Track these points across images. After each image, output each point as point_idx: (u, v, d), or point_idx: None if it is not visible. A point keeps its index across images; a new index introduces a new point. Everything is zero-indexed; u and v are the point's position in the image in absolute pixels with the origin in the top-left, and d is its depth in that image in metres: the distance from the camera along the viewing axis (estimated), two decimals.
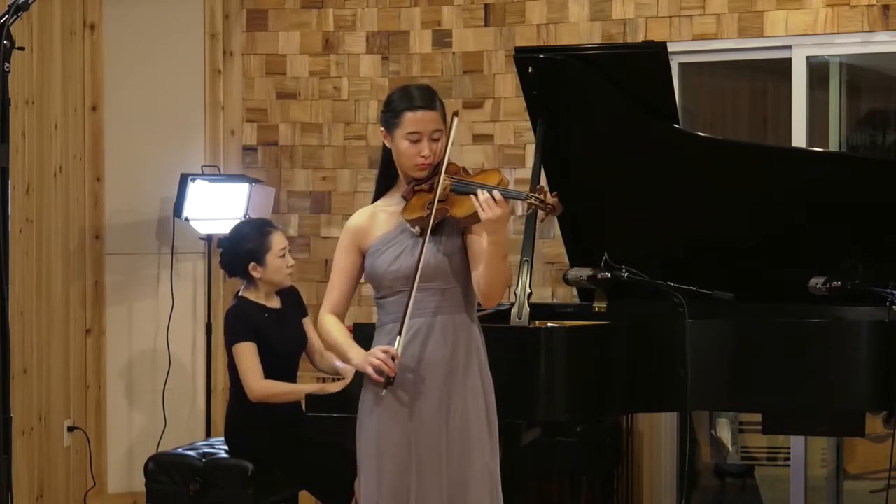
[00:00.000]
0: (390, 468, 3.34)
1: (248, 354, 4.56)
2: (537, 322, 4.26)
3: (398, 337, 3.28)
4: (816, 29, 5.34)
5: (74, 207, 5.78)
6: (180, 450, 4.86)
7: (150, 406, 5.95)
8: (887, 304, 4.23)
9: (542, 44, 5.67)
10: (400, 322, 3.29)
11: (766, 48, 5.49)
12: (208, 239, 5.83)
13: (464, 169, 3.41)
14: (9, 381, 2.85)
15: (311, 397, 4.23)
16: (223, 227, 5.73)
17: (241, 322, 4.61)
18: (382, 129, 3.41)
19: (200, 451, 4.80)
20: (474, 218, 3.27)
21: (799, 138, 5.39)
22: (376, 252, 3.39)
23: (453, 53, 5.91)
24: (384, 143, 3.43)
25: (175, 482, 4.68)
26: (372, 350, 3.31)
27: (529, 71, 4.41)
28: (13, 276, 5.17)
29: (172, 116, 5.99)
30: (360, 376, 4.07)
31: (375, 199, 3.50)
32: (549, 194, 3.25)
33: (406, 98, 3.37)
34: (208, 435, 5.70)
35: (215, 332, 5.85)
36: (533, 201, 3.24)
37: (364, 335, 4.15)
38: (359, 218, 3.47)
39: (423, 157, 3.33)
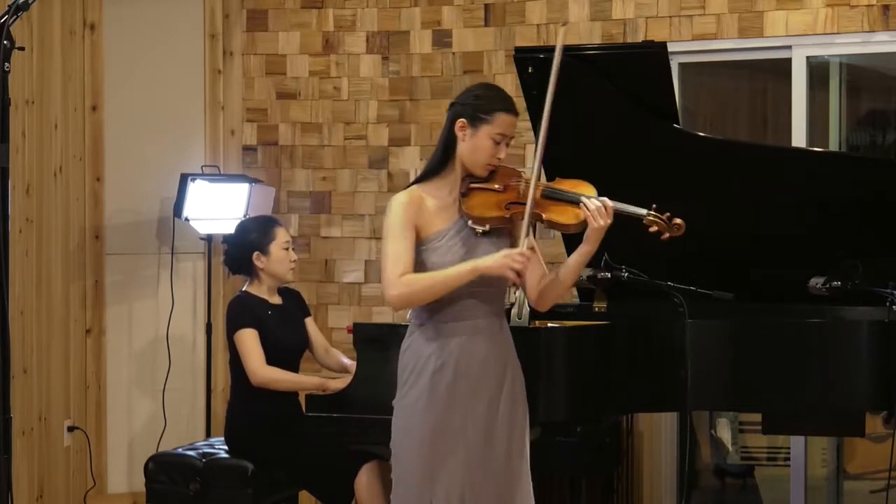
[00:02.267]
0: (445, 469, 3.36)
1: (250, 340, 4.58)
2: (537, 322, 4.25)
3: (525, 238, 3.30)
4: (816, 29, 5.34)
5: (74, 207, 5.78)
6: (180, 450, 4.87)
7: (150, 406, 5.95)
8: (887, 304, 4.23)
9: (542, 44, 5.67)
10: (524, 238, 3.29)
11: (766, 48, 5.48)
12: (208, 239, 5.83)
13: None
14: (9, 381, 2.85)
15: (310, 397, 4.24)
16: (223, 227, 5.75)
17: (243, 311, 4.65)
18: (463, 119, 3.38)
19: (200, 451, 4.80)
20: (580, 225, 3.33)
21: (799, 138, 5.39)
22: (440, 248, 3.38)
23: (453, 53, 5.91)
24: (451, 131, 3.40)
25: (175, 482, 4.68)
26: (508, 252, 3.27)
27: (529, 71, 4.40)
28: (13, 276, 5.17)
29: (172, 116, 6.00)
30: (361, 376, 4.08)
31: (418, 181, 3.48)
32: (664, 214, 3.32)
33: (502, 99, 3.41)
34: (208, 435, 5.70)
35: (215, 332, 5.86)
36: (654, 219, 3.29)
37: (364, 336, 4.16)
38: (410, 195, 3.42)
39: (498, 158, 3.39)
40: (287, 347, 4.71)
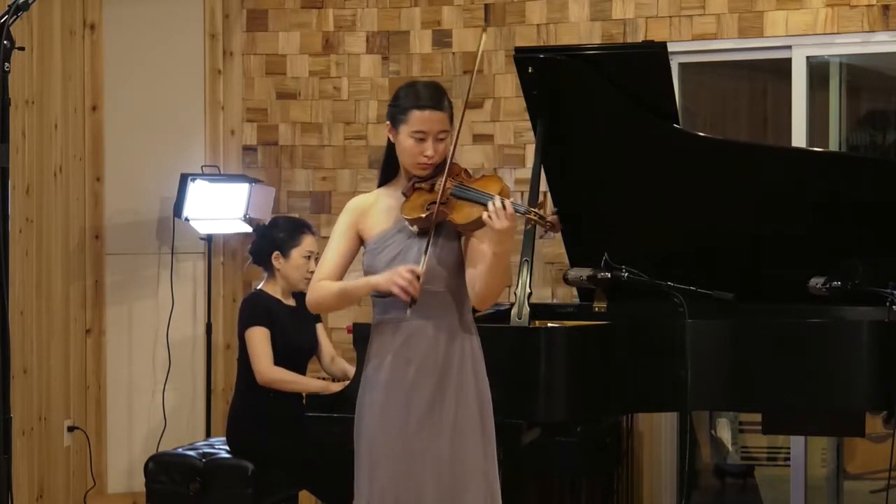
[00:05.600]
0: (382, 469, 3.35)
1: (260, 338, 4.60)
2: (537, 322, 4.25)
3: (423, 257, 3.26)
4: (816, 29, 5.34)
5: (74, 207, 5.78)
6: (180, 450, 4.87)
7: (150, 406, 5.95)
8: (887, 304, 4.23)
9: (542, 44, 5.67)
10: (425, 246, 3.27)
11: (766, 48, 5.49)
12: (208, 239, 5.83)
13: (465, 171, 3.41)
14: (9, 381, 2.85)
15: (311, 397, 4.25)
16: (223, 227, 5.76)
17: (257, 309, 4.67)
18: (388, 122, 3.40)
19: (200, 451, 4.80)
20: (473, 225, 3.27)
21: (799, 138, 5.39)
22: (374, 250, 3.39)
23: (453, 53, 5.91)
24: (389, 136, 3.42)
25: (175, 482, 4.69)
26: (396, 269, 3.26)
27: (529, 71, 4.41)
28: (13, 276, 5.17)
29: (172, 116, 5.99)
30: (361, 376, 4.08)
31: (379, 185, 3.50)
32: (548, 211, 3.23)
33: (414, 96, 3.35)
34: (208, 435, 5.71)
35: (215, 332, 5.87)
36: (532, 216, 3.24)
37: (364, 335, 4.17)
38: (360, 201, 3.48)
39: (426, 156, 3.32)
40: (297, 348, 4.73)
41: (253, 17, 6.08)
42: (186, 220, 5.66)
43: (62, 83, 5.68)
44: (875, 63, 5.84)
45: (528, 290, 4.12)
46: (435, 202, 3.29)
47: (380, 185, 3.50)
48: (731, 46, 5.51)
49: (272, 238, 4.74)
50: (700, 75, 6.06)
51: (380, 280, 3.28)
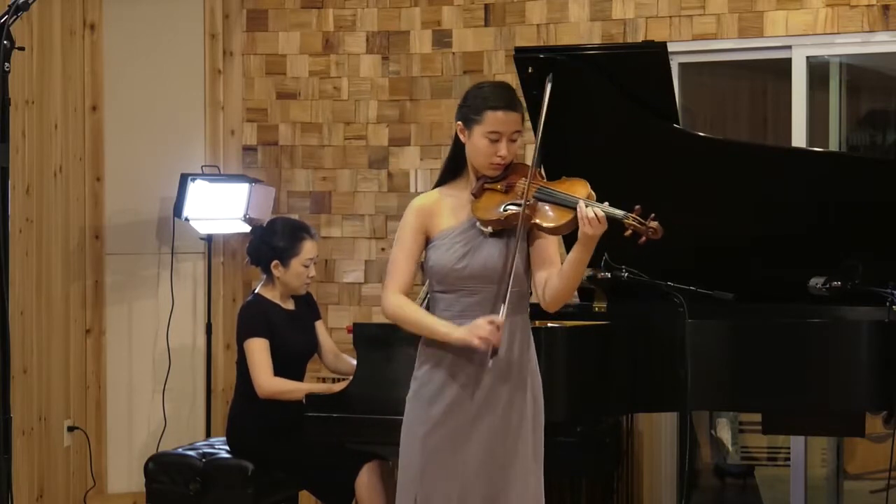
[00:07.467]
0: (435, 463, 3.36)
1: (260, 350, 4.58)
2: (537, 322, 4.25)
3: (503, 306, 3.27)
4: (816, 29, 5.34)
5: (74, 207, 5.78)
6: (180, 450, 4.87)
7: (150, 406, 5.95)
8: (887, 304, 4.23)
9: (542, 44, 5.67)
10: (503, 294, 3.29)
11: (766, 48, 5.49)
12: (208, 239, 5.83)
13: (540, 173, 3.44)
14: (9, 381, 2.85)
15: (311, 397, 4.24)
16: (223, 227, 5.76)
17: (256, 318, 4.64)
18: (459, 122, 3.40)
19: (200, 451, 4.80)
20: (562, 229, 3.30)
21: (799, 138, 5.39)
22: (441, 246, 3.39)
23: (453, 53, 5.91)
24: (456, 135, 3.42)
25: (175, 482, 4.69)
26: (475, 322, 3.27)
27: (529, 71, 4.40)
28: (13, 276, 5.17)
29: (172, 116, 5.99)
30: (360, 376, 4.09)
31: (438, 184, 3.50)
32: (648, 216, 3.25)
33: (491, 96, 3.37)
34: (208, 435, 5.71)
35: (215, 332, 5.86)
36: (631, 221, 3.24)
37: (364, 335, 4.17)
38: (425, 199, 3.46)
39: (500, 156, 3.35)
40: (296, 353, 4.72)
41: (253, 17, 6.08)
42: (186, 220, 5.66)
43: (62, 83, 5.68)
44: (875, 63, 5.84)
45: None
46: (512, 203, 3.33)
47: (440, 184, 3.49)
48: (731, 46, 5.51)
49: (271, 246, 4.69)
50: (700, 75, 6.06)
51: (461, 336, 3.28)
